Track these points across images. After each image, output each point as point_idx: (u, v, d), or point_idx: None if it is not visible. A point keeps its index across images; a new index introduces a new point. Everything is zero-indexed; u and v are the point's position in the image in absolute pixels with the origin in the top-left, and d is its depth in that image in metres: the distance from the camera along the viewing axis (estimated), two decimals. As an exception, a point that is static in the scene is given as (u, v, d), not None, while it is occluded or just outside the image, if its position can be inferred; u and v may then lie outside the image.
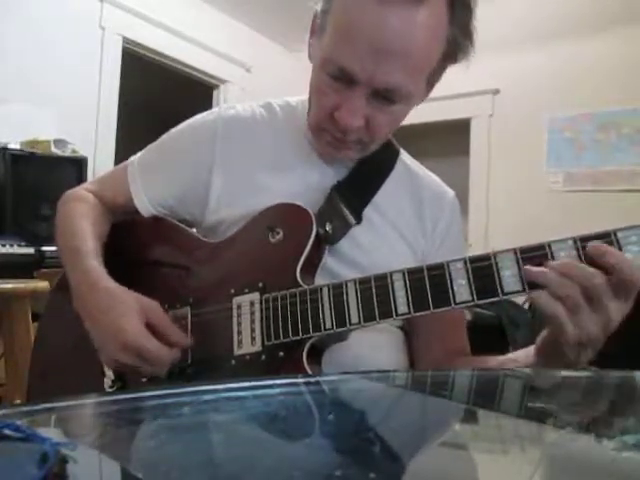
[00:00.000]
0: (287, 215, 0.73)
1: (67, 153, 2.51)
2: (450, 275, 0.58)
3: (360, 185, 0.80)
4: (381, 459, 0.34)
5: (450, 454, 0.38)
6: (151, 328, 0.67)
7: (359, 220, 0.78)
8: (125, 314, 0.67)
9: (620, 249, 0.52)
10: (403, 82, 0.66)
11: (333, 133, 0.73)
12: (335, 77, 0.67)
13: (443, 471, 0.34)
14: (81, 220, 0.82)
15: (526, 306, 2.68)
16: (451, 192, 0.90)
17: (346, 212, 0.77)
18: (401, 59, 0.64)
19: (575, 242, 0.54)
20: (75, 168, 2.48)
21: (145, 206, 0.84)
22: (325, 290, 0.65)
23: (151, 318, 0.68)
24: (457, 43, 0.68)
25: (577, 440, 0.40)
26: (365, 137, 0.73)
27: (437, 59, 0.68)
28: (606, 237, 0.53)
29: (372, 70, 0.64)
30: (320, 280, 0.70)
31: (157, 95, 4.68)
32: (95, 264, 0.74)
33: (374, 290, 0.62)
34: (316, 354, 0.67)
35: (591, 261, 0.54)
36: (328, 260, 0.75)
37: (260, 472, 0.31)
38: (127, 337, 0.65)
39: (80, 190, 0.89)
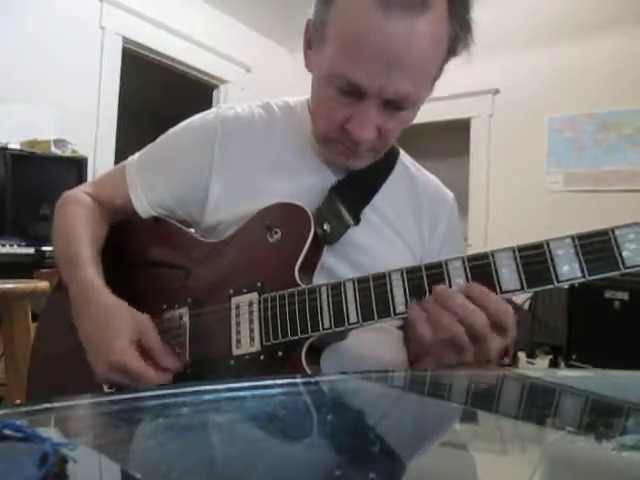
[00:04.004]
0: (285, 215, 0.73)
1: (67, 153, 2.51)
2: (449, 274, 0.58)
3: (359, 186, 0.80)
4: (381, 459, 0.34)
5: (450, 454, 0.38)
6: (143, 348, 0.68)
7: (357, 221, 0.78)
8: (116, 331, 0.67)
9: (618, 247, 0.52)
10: (413, 89, 0.67)
11: (345, 144, 0.73)
12: (343, 91, 0.67)
13: (443, 471, 0.34)
14: (78, 225, 0.81)
15: (526, 306, 2.67)
16: (450, 195, 0.90)
17: (344, 212, 0.77)
18: (410, 68, 0.64)
19: (573, 240, 0.54)
20: (75, 168, 2.49)
21: (144, 207, 0.84)
22: (323, 290, 0.65)
23: (143, 339, 0.68)
24: (457, 38, 0.68)
25: (577, 440, 0.40)
26: (377, 145, 0.73)
27: (441, 59, 0.69)
28: (604, 235, 0.52)
29: (383, 82, 0.64)
30: (319, 280, 0.70)
31: (157, 95, 4.68)
32: (92, 275, 0.74)
33: (372, 289, 0.62)
34: (315, 354, 0.67)
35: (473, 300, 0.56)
36: (327, 260, 0.75)
37: (260, 472, 0.31)
38: (113, 356, 0.66)
39: (78, 192, 0.89)
